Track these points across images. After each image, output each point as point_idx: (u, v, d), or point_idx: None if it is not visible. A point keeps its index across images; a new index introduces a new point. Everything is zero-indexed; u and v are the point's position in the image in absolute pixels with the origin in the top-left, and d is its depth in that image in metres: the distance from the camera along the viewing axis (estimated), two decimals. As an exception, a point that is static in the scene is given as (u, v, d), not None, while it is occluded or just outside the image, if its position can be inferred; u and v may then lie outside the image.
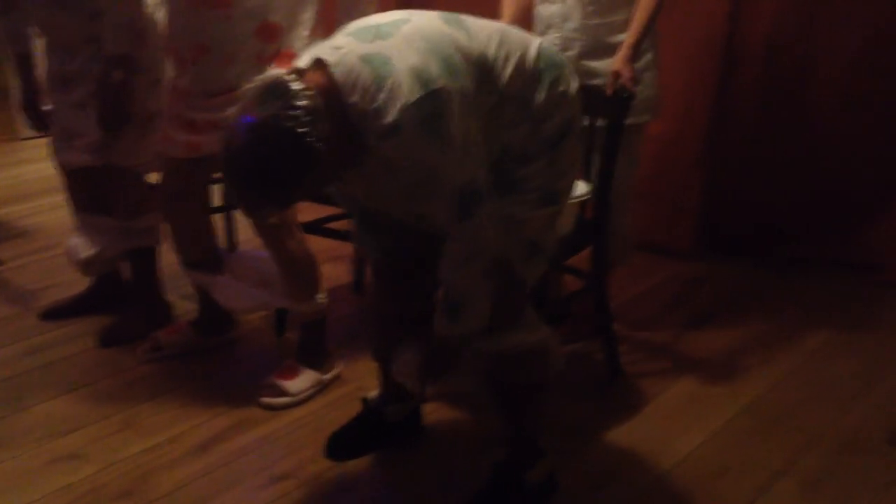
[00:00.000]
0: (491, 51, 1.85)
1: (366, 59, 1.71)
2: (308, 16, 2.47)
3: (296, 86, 1.69)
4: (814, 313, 3.23)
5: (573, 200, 2.44)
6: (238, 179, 1.69)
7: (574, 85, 1.96)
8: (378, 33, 1.77)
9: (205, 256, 2.73)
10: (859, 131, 3.52)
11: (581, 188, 2.51)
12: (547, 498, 2.19)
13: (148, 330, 2.96)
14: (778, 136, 3.66)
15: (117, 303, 3.16)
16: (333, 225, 3.03)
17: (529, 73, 1.89)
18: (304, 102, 1.66)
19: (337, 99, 1.72)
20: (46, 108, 2.92)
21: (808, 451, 2.40)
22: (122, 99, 2.67)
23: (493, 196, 1.87)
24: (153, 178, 2.87)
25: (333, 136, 1.69)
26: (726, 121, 3.69)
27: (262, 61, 2.41)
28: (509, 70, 1.86)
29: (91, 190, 2.93)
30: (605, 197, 2.54)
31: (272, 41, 2.41)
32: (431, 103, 1.69)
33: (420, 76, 1.69)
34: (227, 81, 2.40)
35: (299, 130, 1.64)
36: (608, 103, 2.50)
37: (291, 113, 1.65)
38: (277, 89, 1.68)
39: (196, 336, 2.91)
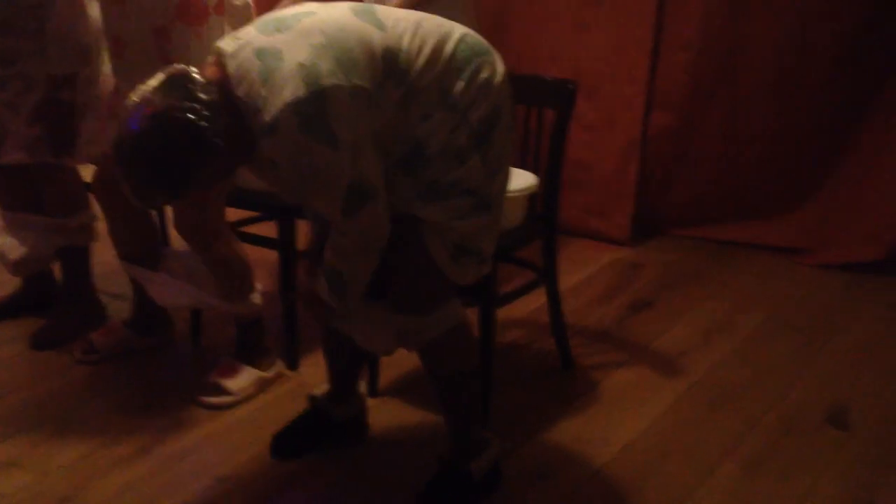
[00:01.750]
0: (404, 42, 1.82)
1: (259, 53, 1.73)
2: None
3: (198, 78, 1.72)
4: (749, 296, 3.30)
5: (522, 192, 2.45)
6: (130, 167, 1.71)
7: (500, 72, 1.93)
8: (279, 25, 1.77)
9: (142, 251, 2.66)
10: (784, 118, 3.60)
11: (529, 180, 2.51)
12: (493, 487, 2.20)
13: (81, 331, 2.88)
14: (708, 121, 3.72)
15: (49, 304, 3.07)
16: (252, 229, 2.99)
17: (447, 62, 1.86)
18: (204, 96, 1.69)
19: (229, 92, 1.74)
20: None
21: (749, 433, 2.45)
22: (71, 115, 2.61)
23: (405, 190, 1.89)
24: (87, 172, 2.79)
25: (231, 131, 1.72)
26: (658, 107, 3.74)
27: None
28: (422, 60, 1.83)
29: (22, 188, 2.84)
30: (555, 188, 2.55)
31: (168, 42, 2.33)
32: (314, 103, 1.70)
33: (307, 74, 1.70)
34: (138, 78, 2.34)
35: (199, 124, 1.67)
36: (554, 92, 2.50)
37: (191, 105, 1.67)
38: (178, 80, 1.71)
39: (131, 336, 2.84)
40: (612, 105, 3.78)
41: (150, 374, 2.74)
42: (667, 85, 3.70)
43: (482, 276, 2.08)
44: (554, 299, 2.69)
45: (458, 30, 1.91)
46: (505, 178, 2.01)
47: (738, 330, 3.03)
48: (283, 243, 2.70)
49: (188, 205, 2.42)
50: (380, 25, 1.82)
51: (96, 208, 2.78)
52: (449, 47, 1.87)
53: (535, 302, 2.92)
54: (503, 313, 2.80)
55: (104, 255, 3.04)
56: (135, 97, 1.71)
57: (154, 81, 1.72)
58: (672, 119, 3.74)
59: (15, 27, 2.56)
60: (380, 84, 1.79)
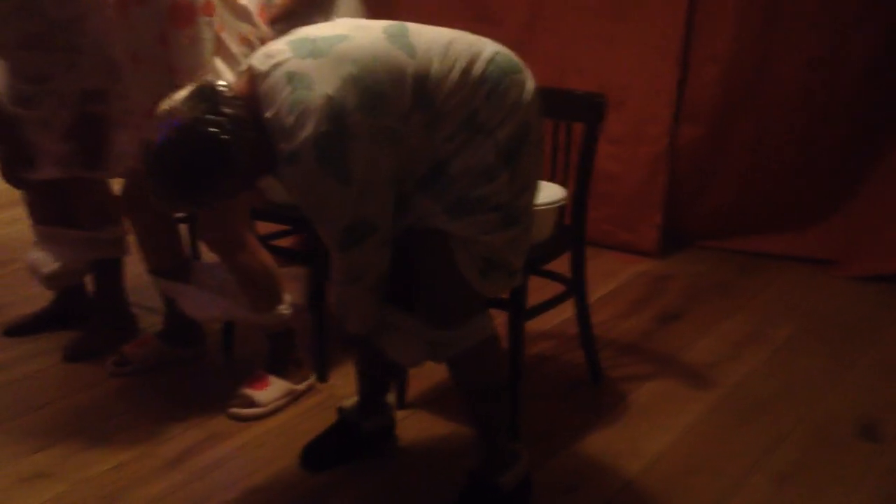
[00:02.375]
0: (433, 67, 1.83)
1: (290, 77, 1.76)
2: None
3: (226, 92, 1.77)
4: (778, 308, 3.28)
5: (551, 205, 2.46)
6: (156, 175, 1.77)
7: (529, 89, 1.94)
8: (313, 49, 1.79)
9: (171, 264, 2.69)
10: (813, 130, 3.58)
11: (558, 193, 2.52)
12: (522, 500, 2.20)
13: (114, 343, 2.91)
14: (736, 133, 3.71)
15: (82, 316, 3.10)
16: (283, 242, 3.02)
17: (475, 83, 1.86)
18: (230, 110, 1.75)
19: (256, 110, 1.79)
20: None
21: (779, 447, 2.43)
22: (102, 130, 2.64)
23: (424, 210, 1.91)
24: (117, 185, 2.83)
25: (255, 146, 1.78)
26: (687, 119, 3.73)
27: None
28: (450, 84, 1.84)
29: (54, 202, 2.88)
30: (583, 201, 2.55)
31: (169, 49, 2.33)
32: (335, 139, 1.74)
33: (332, 109, 1.73)
34: (156, 90, 2.37)
35: (222, 137, 1.73)
36: (583, 106, 2.51)
37: (216, 118, 1.73)
38: (206, 93, 1.76)
39: (163, 348, 2.87)
40: (639, 118, 3.78)
41: (183, 386, 2.77)
42: (696, 97, 3.70)
43: (512, 289, 2.08)
44: (583, 311, 2.69)
45: (488, 48, 1.91)
46: (533, 192, 2.02)
47: (767, 342, 3.02)
48: (313, 256, 2.72)
49: (212, 215, 2.45)
50: (411, 52, 1.83)
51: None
52: (478, 68, 1.87)
53: (564, 314, 2.93)
54: (532, 325, 2.79)
55: (136, 268, 3.07)
56: (164, 107, 1.77)
57: (183, 93, 1.78)
58: (701, 131, 3.73)
59: (47, 43, 2.59)
60: (406, 116, 1.82)
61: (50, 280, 2.95)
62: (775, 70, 3.57)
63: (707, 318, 3.21)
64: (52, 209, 2.90)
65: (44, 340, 3.04)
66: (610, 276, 3.56)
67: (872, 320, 3.18)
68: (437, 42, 1.87)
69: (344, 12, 3.19)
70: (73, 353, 2.93)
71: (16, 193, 3.02)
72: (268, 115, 1.78)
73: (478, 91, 1.86)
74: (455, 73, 1.85)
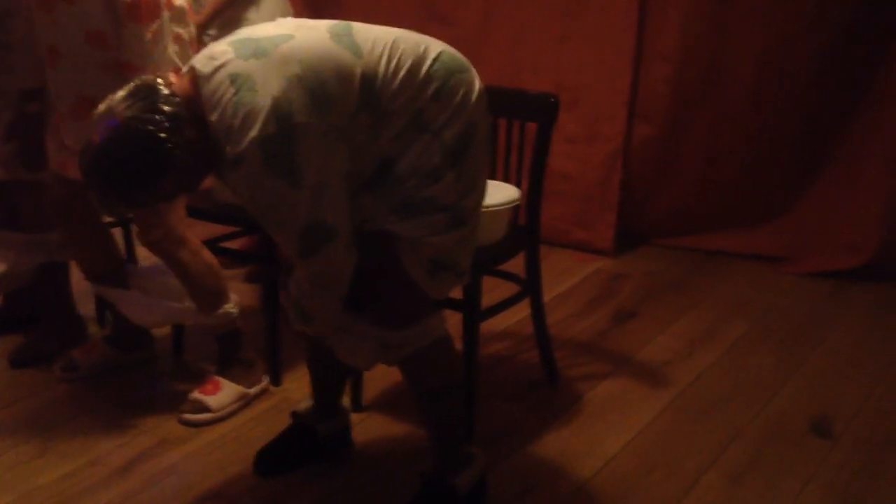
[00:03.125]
0: (380, 67, 1.82)
1: (234, 79, 1.73)
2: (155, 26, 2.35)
3: (163, 90, 1.75)
4: (732, 305, 3.31)
5: (504, 206, 2.45)
6: (94, 176, 1.75)
7: (476, 89, 1.93)
8: (256, 49, 1.77)
9: (107, 269, 2.65)
10: (765, 129, 3.63)
11: (512, 193, 2.51)
12: (478, 502, 2.18)
13: (61, 348, 2.86)
14: (689, 132, 3.74)
15: (29, 321, 3.04)
16: (231, 244, 2.98)
17: (422, 83, 1.85)
18: (167, 108, 1.73)
19: (199, 111, 1.76)
20: None
21: (733, 444, 2.45)
22: (39, 129, 2.57)
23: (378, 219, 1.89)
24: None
25: (195, 145, 1.75)
26: (640, 118, 3.75)
27: (107, 70, 2.31)
28: (397, 83, 1.83)
29: (0, 204, 2.81)
30: (537, 201, 2.55)
31: (100, 48, 2.30)
32: (282, 141, 1.71)
33: (278, 110, 1.70)
34: (74, 89, 2.34)
35: (159, 135, 1.71)
36: (536, 106, 2.51)
37: (153, 116, 1.71)
38: (143, 91, 1.74)
39: (112, 352, 2.82)
40: (593, 116, 3.79)
41: (133, 391, 2.72)
42: (648, 96, 3.72)
43: (463, 289, 2.07)
44: (538, 311, 2.69)
45: (434, 48, 1.90)
46: (481, 193, 2.01)
47: (721, 339, 3.04)
48: (264, 257, 2.69)
49: (148, 215, 2.42)
50: (357, 51, 1.81)
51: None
52: (424, 67, 1.86)
53: (519, 314, 2.92)
54: (487, 325, 2.80)
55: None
56: (101, 107, 1.75)
57: (121, 92, 1.76)
58: (654, 130, 3.76)
59: None
60: (353, 115, 1.80)
61: (-4, 283, 2.89)
62: (726, 68, 3.60)
63: (662, 316, 3.23)
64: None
65: (-11, 346, 2.97)
66: (565, 275, 3.57)
67: (823, 317, 3.23)
68: (382, 41, 1.85)
69: (269, 6, 3.15)
70: (19, 359, 2.86)
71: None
72: (212, 117, 1.74)
73: (424, 90, 1.85)
74: (401, 73, 1.83)
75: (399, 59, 1.84)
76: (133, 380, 2.78)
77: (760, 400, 2.66)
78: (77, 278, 2.98)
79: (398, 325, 1.98)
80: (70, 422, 2.56)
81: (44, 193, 2.76)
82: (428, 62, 1.87)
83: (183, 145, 1.73)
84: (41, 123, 2.59)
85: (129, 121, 1.71)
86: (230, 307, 2.61)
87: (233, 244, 3.00)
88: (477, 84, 1.93)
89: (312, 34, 1.81)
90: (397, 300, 1.97)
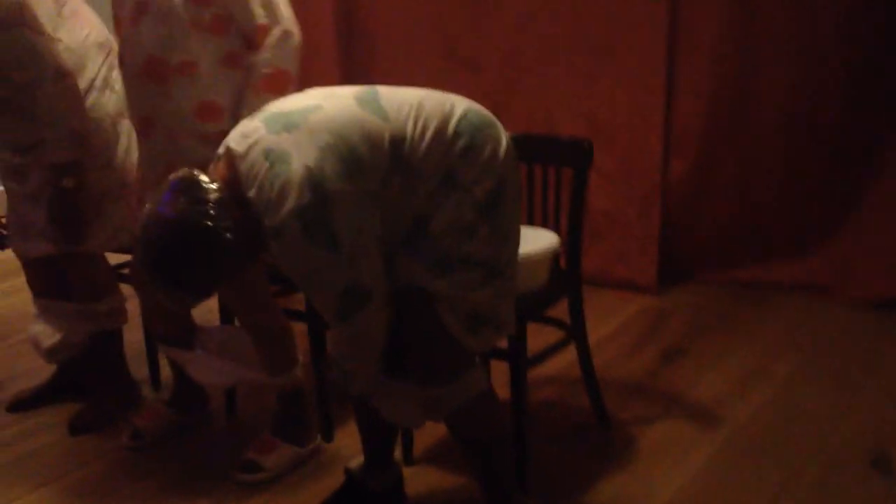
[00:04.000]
0: (408, 129, 1.86)
1: (267, 154, 1.78)
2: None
3: (203, 180, 1.81)
4: (781, 339, 3.27)
5: (545, 254, 2.46)
6: (154, 273, 1.81)
7: (504, 144, 1.95)
8: (287, 123, 1.81)
9: (177, 332, 2.69)
10: (801, 154, 3.60)
11: (551, 240, 2.52)
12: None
13: (118, 413, 2.90)
14: (725, 164, 3.73)
15: (85, 388, 3.08)
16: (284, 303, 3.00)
17: (450, 143, 1.88)
18: (212, 196, 1.78)
19: (239, 191, 1.81)
20: None
21: (791, 483, 2.41)
22: (77, 204, 2.64)
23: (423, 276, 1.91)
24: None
25: (243, 224, 1.80)
26: (676, 153, 3.75)
27: (205, 141, 2.36)
28: (425, 145, 1.86)
29: (50, 276, 2.87)
30: (577, 245, 2.56)
31: (213, 121, 2.36)
32: (318, 209, 1.75)
33: (312, 178, 1.74)
34: (169, 160, 2.39)
35: (208, 223, 1.76)
36: (570, 151, 2.52)
37: (199, 207, 1.77)
38: (184, 185, 1.80)
39: (174, 415, 2.85)
40: (630, 154, 3.79)
41: (187, 453, 2.75)
42: (682, 131, 3.72)
43: (508, 337, 2.09)
44: (585, 356, 2.68)
45: (460, 106, 1.93)
46: (515, 245, 2.03)
47: (773, 376, 3.00)
48: (312, 314, 2.72)
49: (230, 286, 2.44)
50: (384, 116, 1.85)
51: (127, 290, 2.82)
52: (451, 127, 1.89)
53: (567, 357, 2.90)
54: (534, 371, 2.79)
55: (135, 335, 3.08)
56: (148, 205, 1.82)
57: (164, 188, 1.82)
58: (689, 163, 3.75)
59: (15, 108, 2.59)
60: (384, 179, 1.83)
61: (50, 353, 2.94)
62: (757, 97, 3.60)
63: (710, 353, 3.20)
64: (48, 281, 2.90)
65: (47, 414, 3.02)
66: (610, 315, 3.56)
67: (874, 346, 3.18)
68: (408, 103, 1.89)
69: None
70: (77, 426, 2.91)
71: (14, 263, 3.02)
72: (250, 194, 1.80)
73: (452, 148, 1.88)
74: (428, 133, 1.86)
75: (425, 119, 1.87)
76: (188, 440, 2.81)
77: (817, 437, 2.62)
78: (129, 341, 3.05)
79: (439, 382, 1.99)
80: (126, 488, 2.59)
81: (91, 265, 2.83)
82: (454, 120, 1.90)
83: (231, 228, 1.79)
84: (80, 198, 2.64)
85: (178, 215, 1.77)
86: (297, 368, 2.64)
87: (281, 301, 3.03)
88: (504, 139, 1.96)
89: (340, 102, 1.86)
90: (437, 357, 1.99)
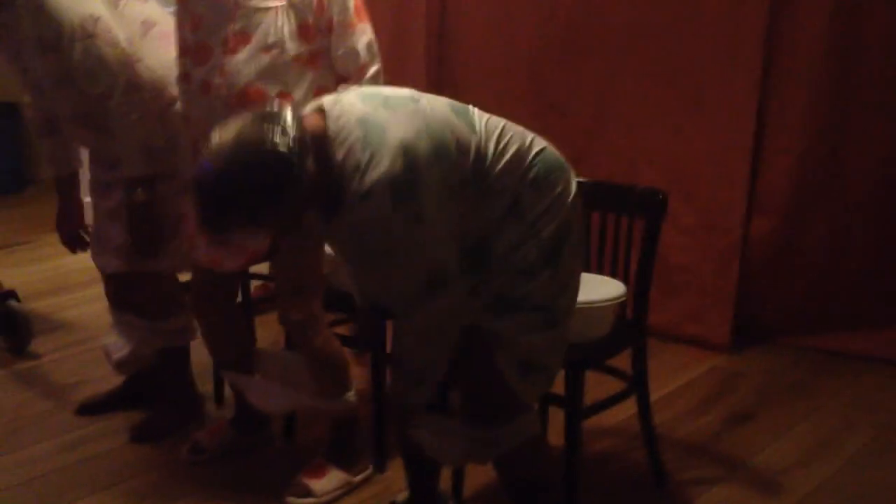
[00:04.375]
0: (491, 146, 1.87)
1: (362, 122, 1.76)
2: None
3: (290, 116, 1.74)
4: (856, 411, 3.14)
5: (610, 302, 2.44)
6: (210, 188, 1.71)
7: (573, 190, 1.95)
8: (385, 102, 1.81)
9: (237, 356, 2.73)
10: (894, 224, 3.47)
11: (618, 289, 2.49)
12: None
13: (180, 426, 2.97)
14: (812, 226, 3.63)
15: (151, 399, 3.15)
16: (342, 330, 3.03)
17: (525, 169, 1.90)
18: (294, 133, 1.71)
19: (325, 149, 1.76)
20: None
21: (852, 562, 2.31)
22: (149, 219, 2.71)
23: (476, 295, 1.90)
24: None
25: (314, 178, 1.73)
26: (759, 210, 3.67)
27: None
28: (503, 163, 1.87)
29: (124, 291, 2.96)
30: (645, 296, 2.52)
31: None
32: (409, 181, 1.72)
33: (407, 152, 1.73)
34: None
35: (285, 152, 1.68)
36: (644, 202, 2.50)
37: (280, 138, 1.69)
38: (272, 116, 1.74)
39: (235, 435, 2.89)
40: (710, 209, 3.73)
41: (243, 471, 2.78)
42: (768, 189, 3.64)
43: (565, 384, 2.07)
44: (645, 410, 2.63)
45: (538, 143, 1.96)
46: (574, 293, 2.01)
47: (844, 448, 2.88)
48: (372, 342, 2.73)
49: (291, 294, 2.49)
50: (473, 128, 1.88)
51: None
52: (528, 158, 1.91)
53: (627, 411, 2.85)
54: (593, 422, 2.74)
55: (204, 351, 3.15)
56: (226, 128, 1.74)
57: (252, 116, 1.75)
58: (774, 223, 3.66)
59: (95, 123, 2.69)
60: (464, 182, 1.84)
61: (119, 366, 3.02)
62: (850, 159, 3.50)
63: (780, 420, 3.09)
64: (122, 295, 2.98)
65: (114, 420, 3.10)
66: (679, 372, 3.48)
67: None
68: (494, 124, 1.93)
69: None
70: (139, 434, 2.98)
71: (97, 273, 3.10)
72: (338, 155, 1.75)
73: (525, 176, 1.89)
74: (507, 154, 1.88)
75: (508, 142, 1.90)
76: (245, 459, 2.84)
77: (884, 515, 2.51)
78: (196, 358, 3.11)
79: (491, 423, 1.97)
80: (182, 499, 2.63)
81: (162, 284, 2.89)
82: (532, 153, 1.92)
83: (305, 172, 1.72)
84: (154, 213, 2.72)
85: (256, 136, 1.70)
86: (351, 395, 2.66)
87: (341, 330, 3.06)
88: (573, 185, 1.97)
89: (436, 103, 1.89)
90: (490, 399, 1.97)
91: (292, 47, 2.37)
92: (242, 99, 2.38)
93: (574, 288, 2.00)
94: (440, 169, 1.78)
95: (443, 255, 1.83)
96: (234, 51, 2.39)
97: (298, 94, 2.39)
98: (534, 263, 1.89)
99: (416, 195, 1.74)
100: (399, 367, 2.02)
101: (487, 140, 1.88)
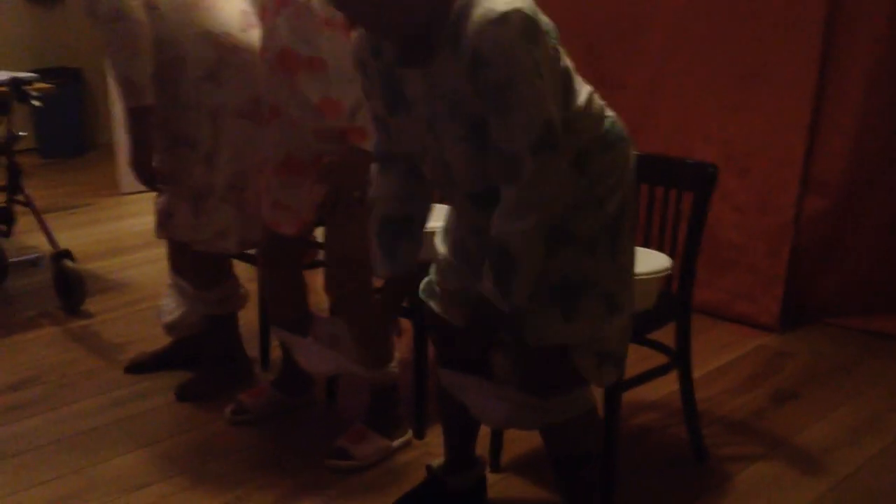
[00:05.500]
0: (576, 80, 1.83)
1: None
2: None
3: None
4: (905, 394, 3.09)
5: (655, 275, 2.42)
6: None
7: (632, 163, 1.93)
8: None
9: (294, 317, 2.77)
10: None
11: (663, 262, 2.47)
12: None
13: (225, 387, 3.01)
14: (867, 207, 3.55)
15: (199, 360, 3.20)
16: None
17: (597, 120, 1.86)
18: None
19: None
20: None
21: (893, 544, 2.28)
22: (138, 132, 2.69)
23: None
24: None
25: None
26: (813, 190, 3.60)
27: (323, 136, 2.44)
28: (582, 100, 1.83)
29: (179, 254, 3.01)
30: (691, 271, 2.50)
31: (334, 117, 2.41)
32: (535, 28, 1.65)
33: (531, 8, 1.66)
34: (288, 150, 2.48)
35: None
36: (694, 175, 2.47)
37: None
38: None
39: (278, 396, 2.93)
40: (764, 187, 3.67)
41: (284, 433, 2.82)
42: (823, 169, 3.56)
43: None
44: (687, 384, 2.60)
45: (611, 112, 1.93)
46: (631, 277, 1.99)
47: (889, 429, 2.83)
48: (416, 311, 2.75)
49: (341, 266, 2.52)
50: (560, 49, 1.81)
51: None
52: (602, 111, 1.89)
53: (670, 385, 2.84)
54: (634, 395, 2.75)
55: (254, 314, 3.19)
56: None
57: None
58: (828, 203, 3.59)
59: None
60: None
61: (169, 328, 3.09)
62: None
63: (825, 399, 3.05)
64: (179, 259, 3.04)
65: (161, 379, 3.16)
66: (725, 349, 3.44)
67: None
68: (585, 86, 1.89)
69: None
70: (184, 393, 3.03)
71: (153, 235, 3.14)
72: None
73: (596, 128, 1.86)
74: (584, 94, 1.84)
75: (584, 86, 1.86)
76: (287, 422, 2.88)
77: (928, 499, 2.47)
78: (244, 323, 3.15)
79: (545, 393, 1.97)
80: (223, 458, 2.68)
81: (199, 257, 2.92)
82: (605, 109, 1.91)
83: None
84: (146, 129, 2.70)
85: None
86: (393, 365, 2.68)
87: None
88: (633, 161, 1.95)
89: None
90: (550, 375, 1.97)
91: (322, 10, 2.33)
92: (280, 61, 2.41)
93: (630, 272, 1.98)
94: (549, 45, 1.71)
95: (556, 117, 1.70)
96: (277, 13, 2.41)
97: (332, 60, 2.38)
98: (595, 236, 1.86)
99: (538, 44, 1.65)
100: (493, 259, 1.79)
101: (574, 74, 1.83)
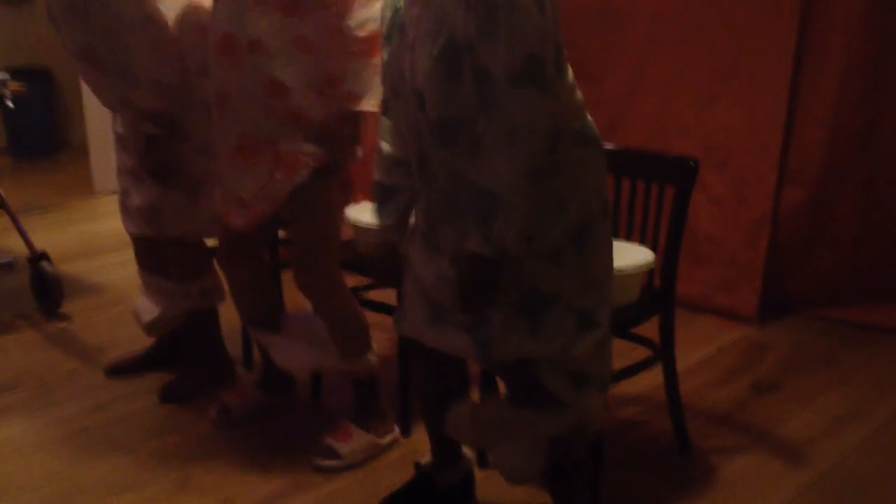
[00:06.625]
0: (563, 50, 1.82)
1: None
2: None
3: None
4: (882, 383, 3.13)
5: (638, 269, 2.43)
6: None
7: (601, 169, 1.93)
8: None
9: (263, 313, 2.75)
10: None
11: (646, 256, 2.49)
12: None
13: (207, 387, 3.00)
14: (843, 198, 3.59)
15: (181, 360, 3.19)
16: (372, 295, 3.04)
17: (577, 109, 1.86)
18: None
19: None
20: None
21: (877, 532, 2.31)
22: (154, 153, 2.70)
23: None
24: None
25: None
26: (790, 182, 3.63)
27: (275, 117, 2.42)
28: (570, 77, 1.84)
29: (151, 253, 2.99)
30: (673, 264, 2.51)
31: (281, 100, 2.40)
32: None
33: None
34: (241, 133, 2.45)
35: None
36: (674, 169, 2.48)
37: None
38: None
39: (262, 396, 2.92)
40: (742, 179, 3.70)
41: (269, 433, 2.81)
42: (800, 161, 3.60)
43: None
44: (671, 378, 2.62)
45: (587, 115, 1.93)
46: (608, 288, 1.96)
47: (869, 419, 2.87)
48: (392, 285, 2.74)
49: (307, 258, 2.50)
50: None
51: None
52: (580, 101, 1.89)
53: (656, 378, 2.85)
54: (620, 389, 2.75)
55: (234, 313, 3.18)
56: None
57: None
58: (805, 195, 3.63)
59: (100, 67, 2.68)
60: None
61: (149, 328, 3.05)
62: (884, 131, 3.45)
63: (806, 390, 3.08)
64: (150, 257, 3.01)
65: (143, 381, 3.14)
66: (705, 342, 3.47)
67: None
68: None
69: None
70: (168, 395, 3.01)
71: (127, 236, 3.13)
72: None
73: (575, 120, 1.86)
74: (570, 77, 1.84)
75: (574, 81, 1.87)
76: (272, 421, 2.87)
77: (909, 486, 2.50)
78: (226, 321, 3.13)
79: (530, 407, 1.97)
80: (209, 459, 2.66)
81: (186, 247, 2.90)
82: (581, 102, 1.90)
83: None
84: (167, 147, 2.71)
85: None
86: (371, 356, 2.67)
87: (373, 294, 3.08)
88: (602, 167, 1.95)
89: None
90: (530, 397, 1.96)
91: None
92: (223, 46, 2.40)
93: (606, 290, 1.95)
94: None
95: (548, 54, 1.70)
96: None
97: (273, 42, 2.37)
98: (560, 245, 1.85)
99: None
100: (475, 206, 1.77)
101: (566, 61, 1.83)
